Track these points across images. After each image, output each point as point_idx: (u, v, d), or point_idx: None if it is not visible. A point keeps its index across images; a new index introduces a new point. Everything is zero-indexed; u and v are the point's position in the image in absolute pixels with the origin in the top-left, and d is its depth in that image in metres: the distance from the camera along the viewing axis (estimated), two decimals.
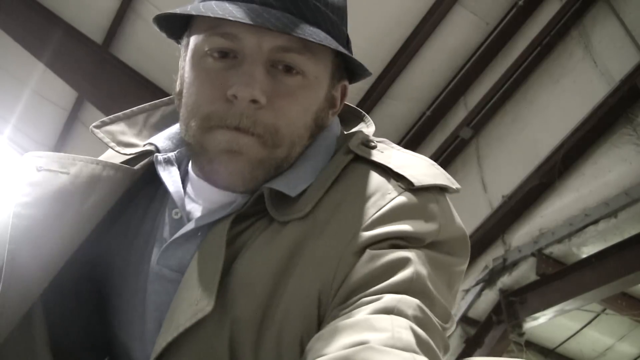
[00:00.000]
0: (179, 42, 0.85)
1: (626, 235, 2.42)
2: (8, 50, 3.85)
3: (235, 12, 0.71)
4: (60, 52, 3.55)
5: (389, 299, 0.65)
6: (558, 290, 2.64)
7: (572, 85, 2.75)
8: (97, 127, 0.86)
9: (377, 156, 0.78)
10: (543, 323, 2.87)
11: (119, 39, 3.65)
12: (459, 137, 3.33)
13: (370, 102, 3.47)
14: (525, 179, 2.77)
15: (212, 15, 0.71)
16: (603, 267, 2.45)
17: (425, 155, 0.83)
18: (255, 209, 0.77)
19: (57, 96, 4.15)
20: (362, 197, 0.74)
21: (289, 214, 0.74)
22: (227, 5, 0.72)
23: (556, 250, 2.71)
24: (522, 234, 2.83)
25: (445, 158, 3.41)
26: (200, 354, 0.71)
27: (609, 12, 2.68)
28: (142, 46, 3.59)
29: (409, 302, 0.65)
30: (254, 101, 0.73)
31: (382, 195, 0.73)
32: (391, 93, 3.51)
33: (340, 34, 0.80)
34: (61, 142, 4.47)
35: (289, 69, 0.76)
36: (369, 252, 0.70)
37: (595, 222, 2.49)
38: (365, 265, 0.69)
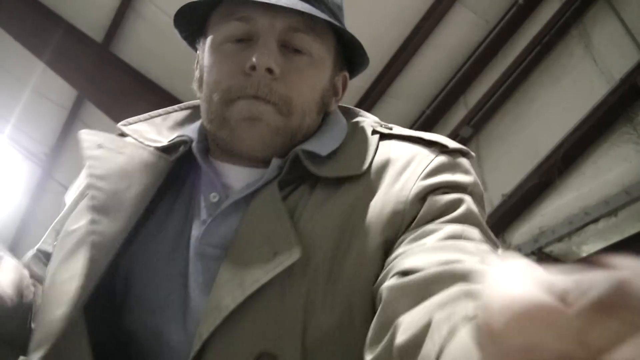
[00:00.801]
0: (195, 48, 0.93)
1: (626, 234, 2.42)
2: (8, 49, 3.85)
3: None
4: (60, 50, 3.55)
5: (454, 226, 0.72)
6: None
7: (572, 84, 2.74)
8: (124, 125, 0.92)
9: (402, 131, 0.88)
10: None
11: (119, 38, 3.65)
12: (459, 136, 3.32)
13: (370, 100, 3.47)
14: (525, 177, 2.77)
15: None
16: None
17: None
18: (291, 177, 0.81)
19: (57, 95, 4.15)
20: (406, 160, 0.83)
21: (339, 170, 0.81)
22: None
23: (556, 248, 2.71)
24: (522, 233, 2.83)
25: None
26: (272, 313, 0.70)
27: (609, 11, 2.67)
28: (143, 45, 3.59)
29: (473, 232, 0.72)
30: (270, 71, 0.80)
31: (425, 156, 0.83)
32: (391, 92, 3.51)
33: (342, 24, 0.89)
34: (61, 140, 4.46)
35: (297, 50, 0.84)
36: (430, 198, 0.77)
37: (595, 220, 2.49)
38: (428, 208, 0.77)
